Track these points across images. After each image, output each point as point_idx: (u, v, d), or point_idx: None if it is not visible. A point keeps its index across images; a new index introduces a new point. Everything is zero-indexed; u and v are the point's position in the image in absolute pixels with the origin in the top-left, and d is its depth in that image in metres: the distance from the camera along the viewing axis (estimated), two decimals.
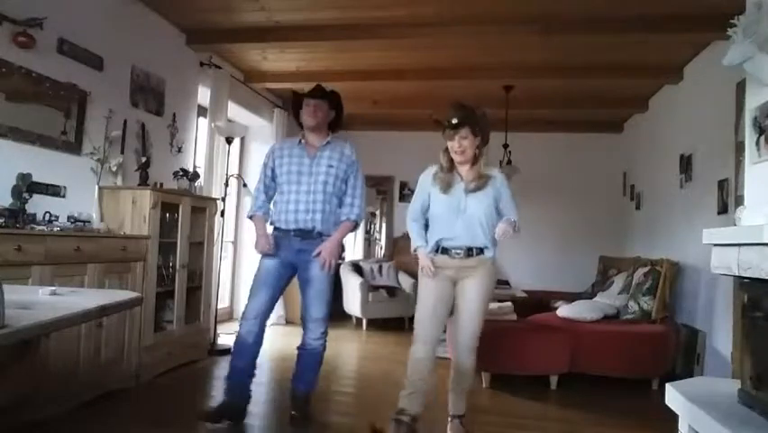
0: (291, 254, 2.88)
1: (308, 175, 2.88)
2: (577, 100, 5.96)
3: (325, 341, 2.92)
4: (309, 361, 2.93)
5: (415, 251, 2.81)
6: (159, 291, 3.71)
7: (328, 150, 2.93)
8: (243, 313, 2.89)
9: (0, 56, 2.90)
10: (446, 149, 2.75)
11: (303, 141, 2.96)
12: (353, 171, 2.97)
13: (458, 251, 2.68)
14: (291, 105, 3.07)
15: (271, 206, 3.02)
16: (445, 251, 2.71)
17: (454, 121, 2.66)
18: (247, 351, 2.87)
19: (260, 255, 2.94)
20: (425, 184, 2.82)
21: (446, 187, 2.72)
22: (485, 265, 2.71)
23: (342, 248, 3.04)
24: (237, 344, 2.88)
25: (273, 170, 2.98)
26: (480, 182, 2.69)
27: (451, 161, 2.75)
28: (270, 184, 3.00)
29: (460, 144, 2.67)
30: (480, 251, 2.69)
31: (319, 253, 2.82)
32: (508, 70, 5.05)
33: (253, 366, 2.92)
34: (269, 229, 2.99)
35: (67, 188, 3.32)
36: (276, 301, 2.93)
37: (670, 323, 4.21)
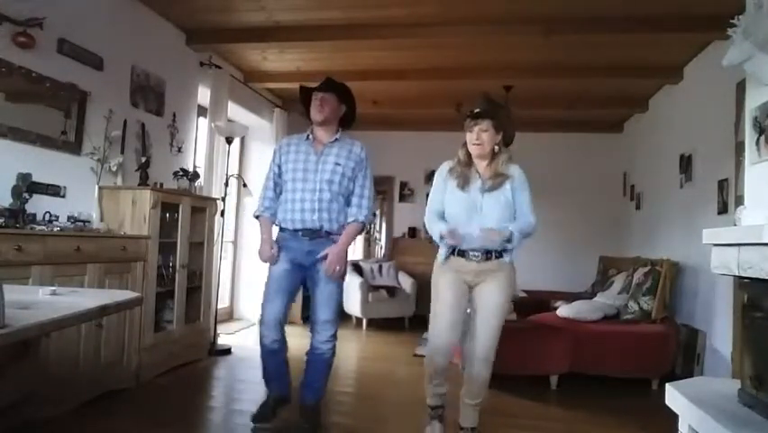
0: (300, 256, 2.77)
1: (314, 172, 2.76)
2: (577, 100, 5.95)
3: (335, 345, 2.81)
4: (317, 367, 2.82)
5: (442, 238, 2.60)
6: (159, 291, 3.70)
7: (336, 147, 2.81)
8: (261, 320, 2.82)
9: (0, 56, 2.90)
10: (464, 143, 2.65)
11: (311, 136, 2.84)
12: (362, 170, 2.84)
13: (475, 253, 2.57)
14: (300, 99, 2.94)
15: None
16: (462, 253, 2.59)
17: (476, 111, 2.58)
18: (276, 356, 2.85)
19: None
20: (440, 180, 2.71)
21: (463, 182, 2.61)
22: (504, 270, 2.60)
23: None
24: (264, 353, 2.85)
25: (280, 167, 2.86)
26: (497, 181, 2.58)
27: (469, 155, 2.64)
28: (278, 181, 2.88)
29: (478, 136, 2.57)
30: (499, 254, 2.59)
31: (325, 257, 2.71)
32: (508, 70, 5.04)
33: (286, 364, 2.91)
34: (275, 230, 2.90)
35: (67, 188, 3.32)
36: (290, 305, 2.88)
37: (670, 323, 4.21)
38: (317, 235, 2.75)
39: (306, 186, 2.76)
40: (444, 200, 2.68)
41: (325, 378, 2.87)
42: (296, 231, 2.77)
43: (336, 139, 2.84)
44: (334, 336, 2.81)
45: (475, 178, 2.62)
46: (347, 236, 2.79)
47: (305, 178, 2.77)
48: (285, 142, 2.94)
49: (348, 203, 2.84)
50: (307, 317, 4.30)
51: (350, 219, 2.82)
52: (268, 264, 2.85)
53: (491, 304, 2.60)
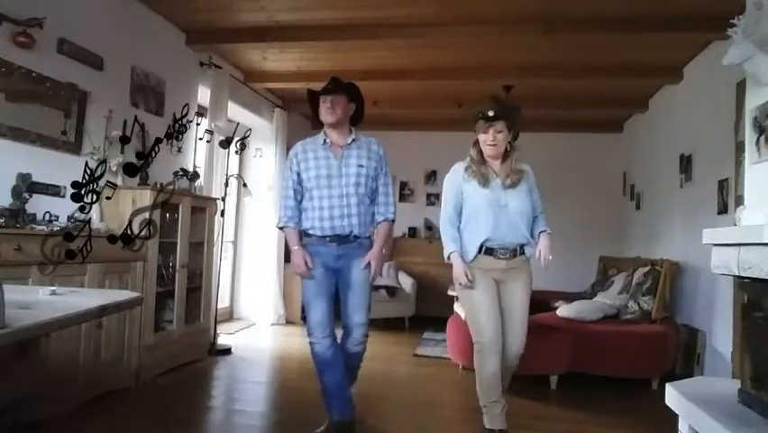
0: (331, 260, 2.74)
1: (338, 177, 2.72)
2: (577, 100, 5.95)
3: (366, 341, 2.85)
4: (352, 362, 2.87)
5: (448, 258, 2.74)
6: (159, 291, 3.70)
7: (355, 148, 2.78)
8: (309, 329, 2.74)
9: (0, 56, 2.90)
10: (476, 142, 2.73)
11: (327, 140, 2.78)
12: (382, 168, 2.82)
13: (504, 251, 2.70)
14: (309, 103, 2.89)
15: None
16: (489, 251, 2.69)
17: (491, 113, 2.66)
18: (332, 365, 2.73)
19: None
20: (456, 182, 2.77)
21: (484, 180, 2.70)
22: (526, 267, 2.78)
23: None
24: (318, 363, 2.74)
25: (299, 174, 2.78)
26: (516, 177, 2.71)
27: (481, 153, 2.73)
28: (298, 189, 2.80)
29: (494, 138, 2.67)
30: (522, 251, 2.74)
31: (368, 264, 2.73)
32: (508, 70, 5.05)
33: (344, 377, 2.77)
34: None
35: (67, 189, 3.31)
36: (334, 308, 2.78)
37: (670, 323, 4.21)
38: (347, 240, 2.74)
39: (332, 192, 2.71)
40: (463, 199, 2.76)
41: (357, 368, 2.95)
42: (324, 237, 2.74)
43: (353, 140, 2.80)
44: (367, 335, 2.84)
45: (493, 176, 2.73)
46: (382, 237, 2.80)
47: (329, 184, 2.72)
48: (300, 149, 2.83)
49: (373, 202, 2.83)
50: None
51: (379, 219, 2.81)
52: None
53: (520, 301, 2.74)
